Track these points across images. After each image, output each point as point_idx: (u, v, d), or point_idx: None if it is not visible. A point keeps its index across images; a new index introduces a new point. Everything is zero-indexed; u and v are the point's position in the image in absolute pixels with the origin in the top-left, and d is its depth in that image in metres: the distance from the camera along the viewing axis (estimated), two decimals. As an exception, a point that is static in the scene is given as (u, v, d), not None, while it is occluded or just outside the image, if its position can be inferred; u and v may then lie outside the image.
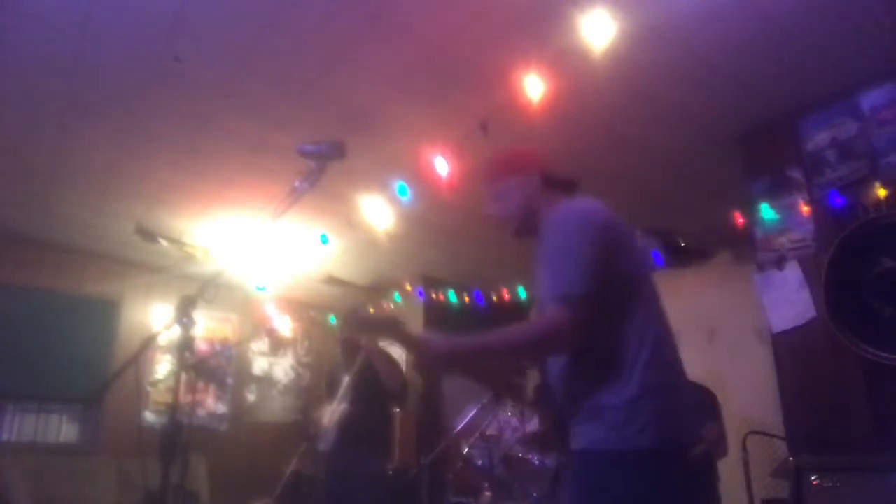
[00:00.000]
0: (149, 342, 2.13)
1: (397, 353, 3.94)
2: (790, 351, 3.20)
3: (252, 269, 5.71)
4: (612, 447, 1.44)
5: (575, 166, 4.02)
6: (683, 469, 1.47)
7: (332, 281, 6.11)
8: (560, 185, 1.84)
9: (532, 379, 1.99)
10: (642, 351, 1.48)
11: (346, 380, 3.88)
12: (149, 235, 5.04)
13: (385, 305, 6.21)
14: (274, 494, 4.65)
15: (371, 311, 1.75)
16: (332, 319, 6.68)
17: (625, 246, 1.60)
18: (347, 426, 3.74)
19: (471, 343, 1.58)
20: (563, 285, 1.48)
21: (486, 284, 5.88)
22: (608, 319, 1.50)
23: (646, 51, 2.89)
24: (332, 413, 3.86)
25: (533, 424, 3.23)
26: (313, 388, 6.66)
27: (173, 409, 1.75)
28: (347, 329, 1.77)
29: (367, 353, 3.79)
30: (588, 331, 1.47)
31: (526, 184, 1.81)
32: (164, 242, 5.14)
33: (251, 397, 6.45)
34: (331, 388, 4.05)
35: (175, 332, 1.72)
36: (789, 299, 3.19)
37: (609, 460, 1.44)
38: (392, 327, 1.71)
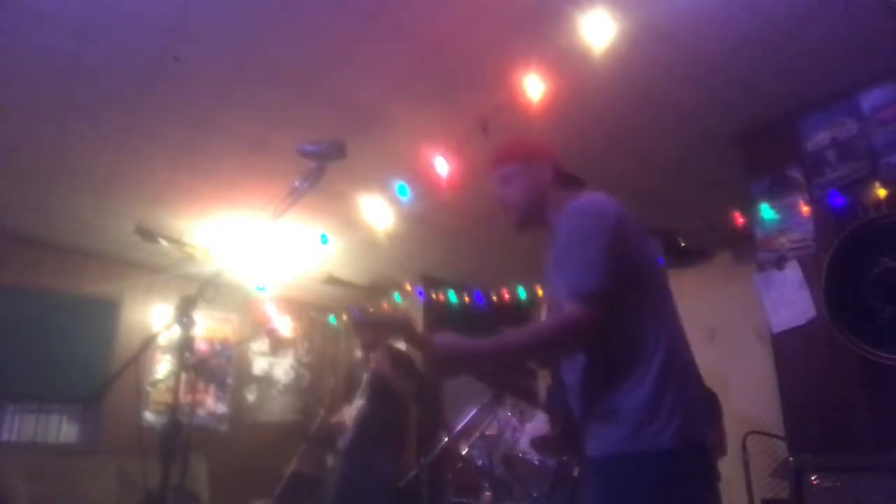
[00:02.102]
0: (149, 342, 2.13)
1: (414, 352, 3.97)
2: (790, 351, 3.20)
3: (252, 269, 5.71)
4: (632, 450, 1.41)
5: (575, 166, 4.03)
6: (706, 466, 1.46)
7: (332, 281, 6.10)
8: (570, 181, 1.81)
9: (544, 379, 1.94)
10: (658, 348, 1.46)
11: (364, 378, 3.89)
12: (149, 235, 5.04)
13: (385, 306, 6.20)
14: (274, 494, 4.64)
15: (377, 309, 1.70)
16: (332, 319, 6.67)
17: (638, 242, 1.57)
18: (364, 425, 3.75)
19: (485, 343, 1.54)
20: (583, 282, 1.46)
21: (486, 284, 5.88)
22: (624, 316, 1.47)
23: (646, 51, 2.89)
24: (351, 411, 3.88)
25: (536, 426, 3.23)
26: (313, 388, 6.67)
27: (173, 409, 1.75)
28: (352, 328, 1.76)
29: (376, 371, 3.82)
30: (605, 328, 1.45)
31: (536, 172, 1.77)
32: (164, 242, 5.14)
33: (251, 397, 6.45)
34: (350, 388, 4.06)
35: (175, 332, 1.72)
36: (789, 299, 3.19)
37: (630, 465, 1.41)
38: (399, 326, 1.67)
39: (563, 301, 1.49)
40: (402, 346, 3.81)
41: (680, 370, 1.48)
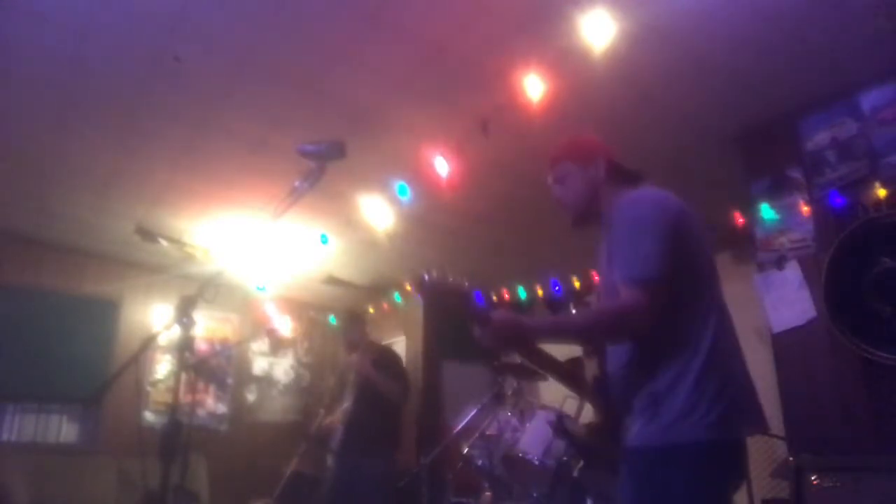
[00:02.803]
0: (149, 342, 2.12)
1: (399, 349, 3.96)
2: (790, 351, 3.20)
3: (252, 269, 5.71)
4: (669, 440, 1.41)
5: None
6: (739, 463, 1.46)
7: (332, 281, 6.10)
8: (626, 176, 1.81)
9: (590, 369, 1.93)
10: (704, 342, 1.47)
11: (351, 379, 3.89)
12: (149, 235, 5.04)
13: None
14: (274, 494, 4.64)
15: (443, 276, 1.61)
16: (332, 319, 6.67)
17: (694, 232, 1.59)
18: (353, 425, 3.76)
19: (542, 322, 1.57)
20: (641, 269, 1.47)
21: (486, 284, 5.88)
22: (674, 307, 1.48)
23: (646, 51, 2.89)
24: (342, 412, 3.90)
25: (537, 425, 3.22)
26: (313, 388, 6.67)
27: (173, 409, 1.75)
28: (421, 293, 1.67)
29: (360, 375, 3.82)
30: (659, 318, 1.45)
31: (590, 170, 1.78)
32: (164, 242, 5.14)
33: (251, 397, 6.45)
34: (341, 388, 4.06)
35: (175, 332, 1.72)
36: (789, 299, 3.19)
37: (666, 456, 1.41)
38: (460, 296, 1.65)
39: (620, 288, 1.50)
40: (398, 344, 3.80)
41: (725, 365, 1.48)
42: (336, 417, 3.98)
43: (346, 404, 3.88)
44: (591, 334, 1.66)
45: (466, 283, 1.66)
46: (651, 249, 1.48)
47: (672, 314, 1.47)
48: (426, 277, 1.68)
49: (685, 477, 1.38)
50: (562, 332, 1.61)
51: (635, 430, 1.51)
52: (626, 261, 1.51)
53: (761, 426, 1.56)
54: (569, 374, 1.90)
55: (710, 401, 1.40)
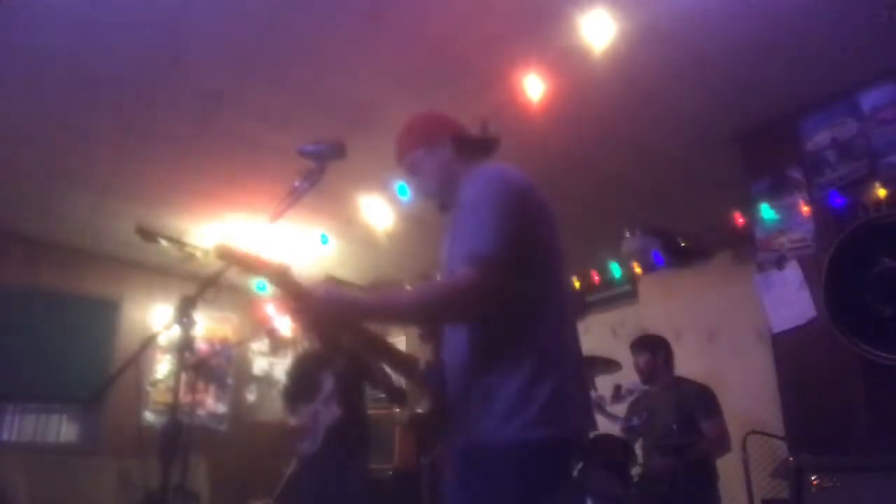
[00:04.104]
0: (149, 342, 2.11)
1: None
2: (790, 351, 3.20)
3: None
4: (498, 439, 1.33)
5: (575, 166, 4.05)
6: (570, 463, 1.41)
7: (332, 281, 6.10)
8: (476, 146, 1.69)
9: (425, 354, 1.77)
10: (540, 336, 1.38)
11: (327, 380, 3.75)
12: (149, 235, 5.03)
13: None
14: (274, 494, 4.63)
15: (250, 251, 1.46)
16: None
17: (541, 217, 1.48)
18: (336, 430, 3.65)
19: (369, 299, 1.44)
20: (477, 246, 1.35)
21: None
22: (512, 296, 1.36)
23: (646, 51, 2.89)
24: (315, 414, 3.72)
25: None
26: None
27: (173, 409, 1.75)
28: (219, 259, 1.52)
29: (344, 377, 3.69)
30: (495, 299, 1.34)
31: (438, 151, 1.66)
32: (164, 242, 5.14)
33: (251, 397, 6.45)
34: (307, 386, 3.83)
35: (175, 332, 1.71)
36: (789, 299, 3.19)
37: (494, 455, 1.33)
38: (274, 273, 1.52)
39: (455, 264, 1.39)
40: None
41: (561, 361, 1.39)
42: (302, 419, 3.89)
43: (330, 408, 3.81)
44: (422, 312, 1.48)
45: (280, 263, 1.53)
46: (491, 227, 1.37)
47: (508, 304, 1.36)
48: (223, 246, 1.57)
49: (514, 475, 1.31)
50: (391, 310, 1.47)
51: (465, 427, 1.41)
52: (466, 238, 1.40)
53: (590, 425, 1.51)
54: (405, 361, 1.73)
55: (542, 401, 1.32)
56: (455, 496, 1.43)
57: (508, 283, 1.34)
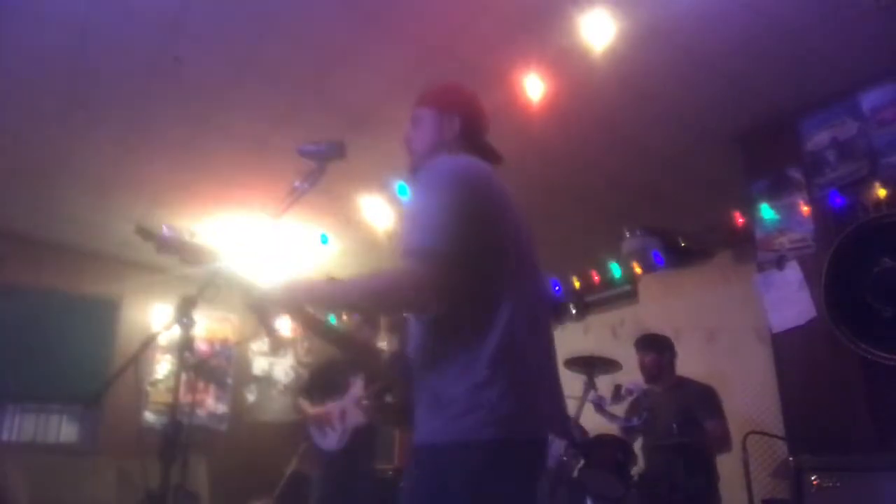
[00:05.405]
0: (149, 342, 2.11)
1: None
2: (790, 351, 3.21)
3: (252, 268, 5.71)
4: (450, 439, 1.29)
5: (575, 166, 4.05)
6: (529, 463, 1.35)
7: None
8: (479, 143, 1.65)
9: (392, 345, 1.73)
10: (496, 332, 1.33)
11: (356, 382, 3.76)
12: (149, 235, 5.02)
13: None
14: (274, 494, 4.64)
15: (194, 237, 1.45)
16: (332, 319, 6.67)
17: (501, 215, 1.43)
18: (364, 433, 3.65)
19: (312, 284, 1.42)
20: (418, 238, 1.32)
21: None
22: (469, 290, 1.33)
23: (646, 51, 2.89)
24: (342, 412, 3.75)
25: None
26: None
27: (173, 409, 1.75)
28: (157, 247, 1.54)
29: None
30: (443, 295, 1.31)
31: (444, 123, 1.62)
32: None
33: (251, 397, 6.45)
34: (329, 385, 3.92)
35: (175, 332, 1.72)
36: (789, 299, 3.19)
37: (446, 454, 1.30)
38: (210, 256, 1.51)
39: (402, 258, 1.35)
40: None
41: (519, 360, 1.34)
42: (327, 412, 3.92)
43: (352, 409, 3.82)
44: (361, 301, 1.46)
45: (216, 249, 1.53)
46: (439, 220, 1.33)
47: (458, 300, 1.33)
48: (164, 231, 1.58)
49: (462, 477, 1.27)
50: (335, 296, 1.45)
51: (420, 426, 1.38)
52: (412, 228, 1.36)
53: (555, 427, 1.44)
54: (362, 347, 1.69)
55: (496, 399, 1.28)
56: (406, 495, 1.40)
57: (454, 279, 1.31)
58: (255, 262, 5.67)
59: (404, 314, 1.46)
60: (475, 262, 1.34)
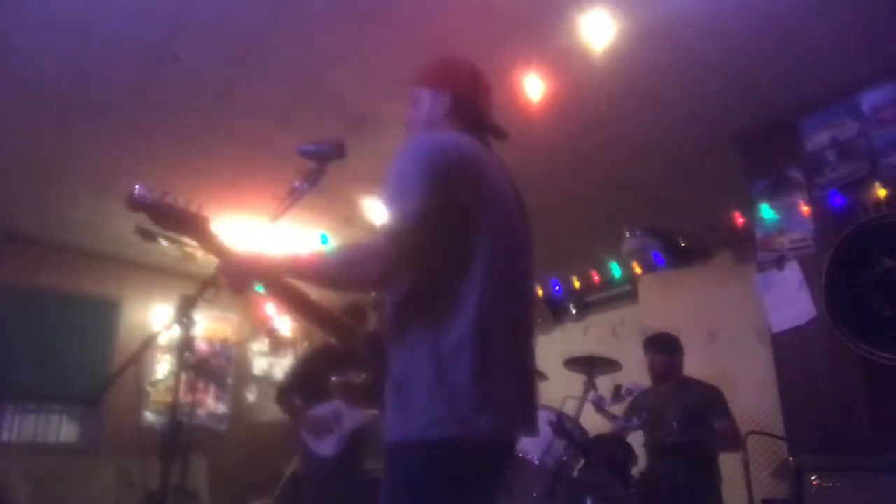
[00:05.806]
0: (149, 342, 2.12)
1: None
2: (790, 351, 3.21)
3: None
4: (410, 438, 1.25)
5: (575, 166, 4.04)
6: (492, 464, 1.32)
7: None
8: (474, 118, 1.59)
9: (371, 324, 1.66)
10: (460, 325, 1.27)
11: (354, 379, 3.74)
12: (149, 235, 5.02)
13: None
14: (274, 494, 4.64)
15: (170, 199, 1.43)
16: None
17: (481, 194, 1.38)
18: (363, 435, 3.62)
19: (281, 257, 1.41)
20: (392, 216, 1.30)
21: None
22: (436, 277, 1.30)
23: (646, 51, 2.89)
24: (337, 413, 3.69)
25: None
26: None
27: (173, 409, 1.76)
28: (131, 208, 1.50)
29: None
30: (406, 275, 1.28)
31: (436, 102, 1.59)
32: (164, 242, 5.14)
33: (251, 397, 6.45)
34: (321, 385, 3.77)
35: (175, 332, 1.72)
36: (789, 299, 3.19)
37: (408, 452, 1.26)
38: (191, 223, 1.53)
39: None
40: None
41: (485, 352, 1.27)
42: (328, 417, 3.90)
43: (360, 413, 3.78)
44: (327, 276, 1.40)
45: (201, 213, 1.55)
46: (409, 198, 1.29)
47: (420, 286, 1.30)
48: (136, 191, 1.55)
49: (420, 473, 1.24)
50: (303, 269, 1.41)
51: (387, 422, 1.33)
52: (383, 205, 1.35)
53: (525, 427, 1.39)
54: (338, 323, 1.63)
55: (454, 394, 1.23)
56: (382, 493, 1.35)
57: (418, 262, 1.28)
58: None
59: (360, 291, 1.43)
60: (455, 247, 1.31)
